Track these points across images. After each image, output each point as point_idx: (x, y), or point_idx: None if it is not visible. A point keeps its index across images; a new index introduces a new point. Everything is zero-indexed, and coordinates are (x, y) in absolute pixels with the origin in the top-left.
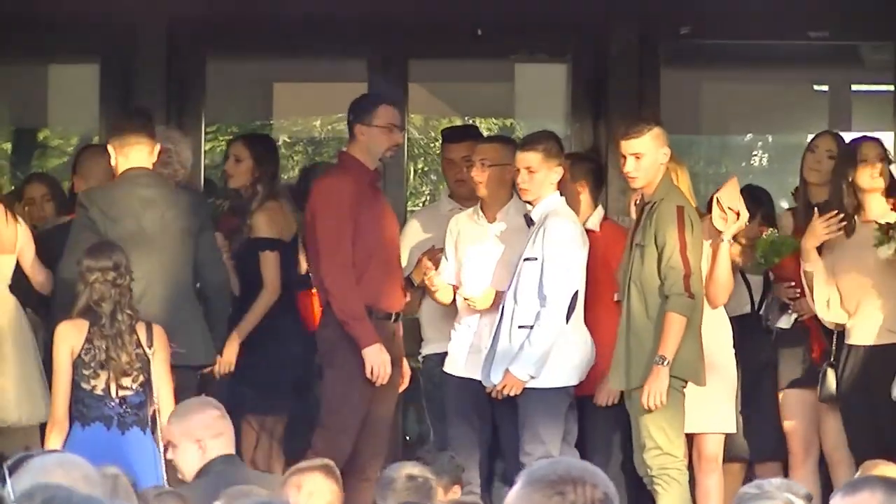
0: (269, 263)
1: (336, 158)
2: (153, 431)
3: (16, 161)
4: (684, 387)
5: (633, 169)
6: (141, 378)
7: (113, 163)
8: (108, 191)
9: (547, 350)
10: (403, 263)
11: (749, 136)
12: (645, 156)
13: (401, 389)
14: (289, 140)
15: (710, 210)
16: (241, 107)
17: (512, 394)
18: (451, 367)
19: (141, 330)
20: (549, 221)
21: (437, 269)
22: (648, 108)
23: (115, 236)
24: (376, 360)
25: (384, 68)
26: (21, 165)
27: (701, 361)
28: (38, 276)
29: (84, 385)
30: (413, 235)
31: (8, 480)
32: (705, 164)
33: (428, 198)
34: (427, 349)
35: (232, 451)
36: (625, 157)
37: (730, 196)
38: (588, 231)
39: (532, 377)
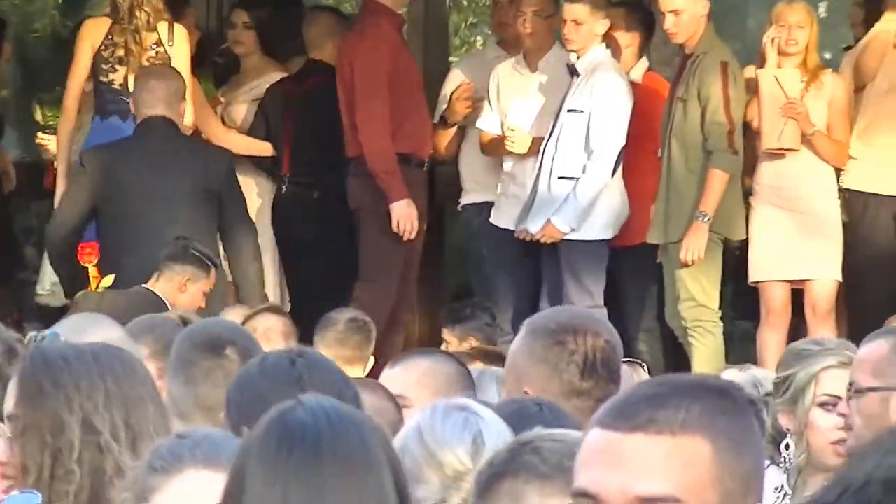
0: None
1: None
2: None
3: None
4: (723, 240)
5: (673, 25)
6: None
7: None
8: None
9: (592, 203)
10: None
11: None
12: (684, 11)
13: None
14: None
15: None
16: None
17: (548, 242)
18: (494, 217)
19: (163, 28)
20: (598, 74)
21: (471, 108)
22: None
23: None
24: (404, 214)
25: None
26: None
27: (741, 216)
28: None
29: (103, 78)
30: (457, 82)
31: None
32: (749, 14)
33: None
34: (466, 198)
35: None
36: (664, 14)
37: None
38: (631, 82)
39: (573, 229)
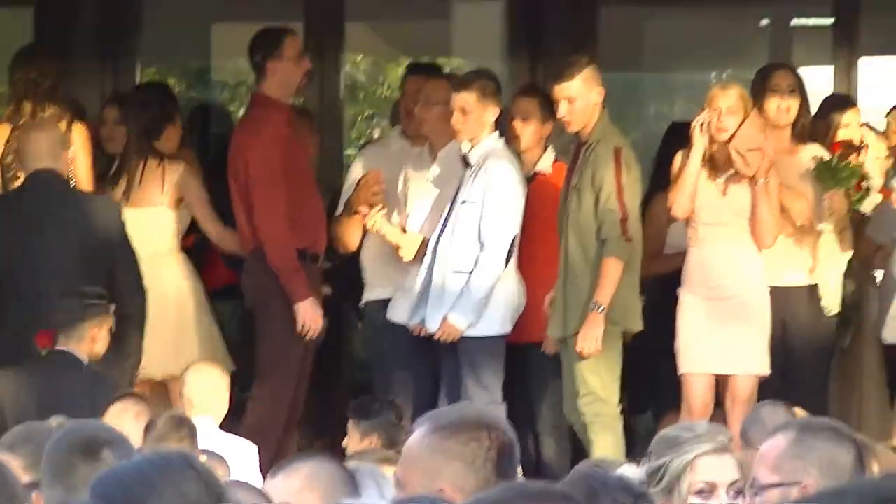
0: None
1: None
2: None
3: None
4: (623, 333)
5: (567, 113)
6: None
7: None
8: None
9: (487, 296)
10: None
11: (693, 73)
12: (577, 99)
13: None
14: (231, 83)
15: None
16: (180, 49)
17: (449, 341)
18: (393, 313)
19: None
20: (488, 163)
21: (380, 204)
22: (584, 47)
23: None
24: (309, 315)
25: (322, 6)
26: None
27: (638, 307)
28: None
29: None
30: (362, 170)
31: None
32: (647, 103)
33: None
34: (368, 295)
35: None
36: (558, 101)
37: (744, 139)
38: (539, 174)
39: (471, 325)
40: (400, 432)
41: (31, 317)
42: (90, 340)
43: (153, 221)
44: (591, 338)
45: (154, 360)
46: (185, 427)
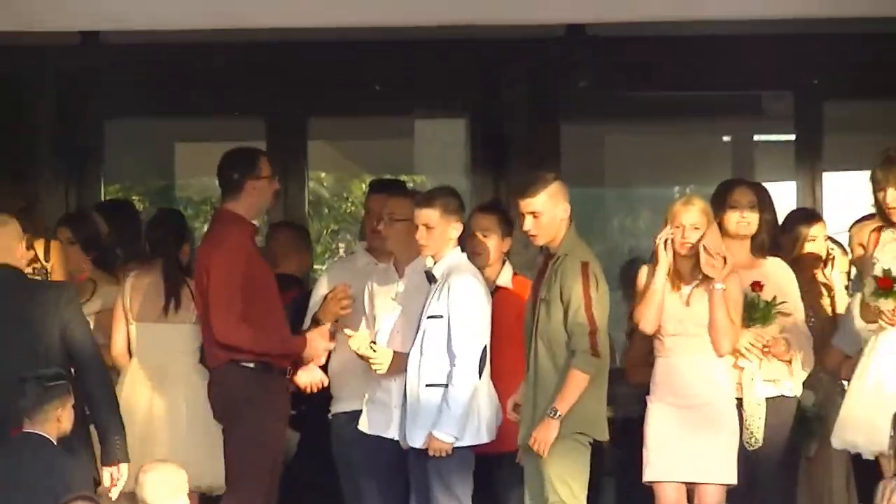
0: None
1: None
2: None
3: None
4: (591, 442)
5: (532, 227)
6: None
7: None
8: None
9: (466, 408)
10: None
11: (656, 188)
12: (543, 214)
13: None
14: (196, 199)
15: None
16: (143, 167)
17: (442, 455)
18: (363, 425)
19: (39, 247)
20: (452, 278)
21: (346, 309)
22: (547, 163)
23: None
24: (316, 344)
25: (284, 125)
26: None
27: (604, 418)
28: None
29: None
30: (328, 285)
31: None
32: (611, 217)
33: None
34: (337, 407)
35: None
36: (523, 216)
37: (714, 242)
38: (501, 288)
39: (457, 438)
40: None
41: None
42: (55, 421)
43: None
44: (542, 441)
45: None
46: None
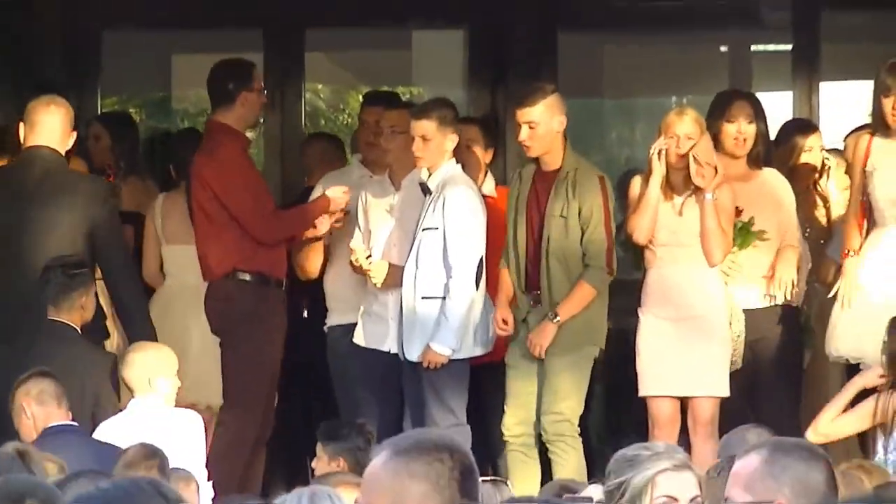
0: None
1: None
2: None
3: None
4: (596, 356)
5: (528, 137)
6: None
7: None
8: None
9: (464, 320)
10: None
11: (653, 98)
12: (539, 124)
13: None
14: (192, 111)
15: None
16: (140, 78)
17: (437, 367)
18: (358, 338)
19: None
20: (447, 190)
21: (341, 220)
22: (545, 74)
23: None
24: (336, 195)
25: (281, 37)
26: None
27: (605, 328)
28: None
29: None
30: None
31: None
32: (608, 128)
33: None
34: (332, 320)
35: None
36: (520, 126)
37: (704, 153)
38: (486, 197)
39: (454, 350)
40: (368, 456)
41: (22, 290)
42: (79, 309)
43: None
44: (540, 343)
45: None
46: (156, 457)
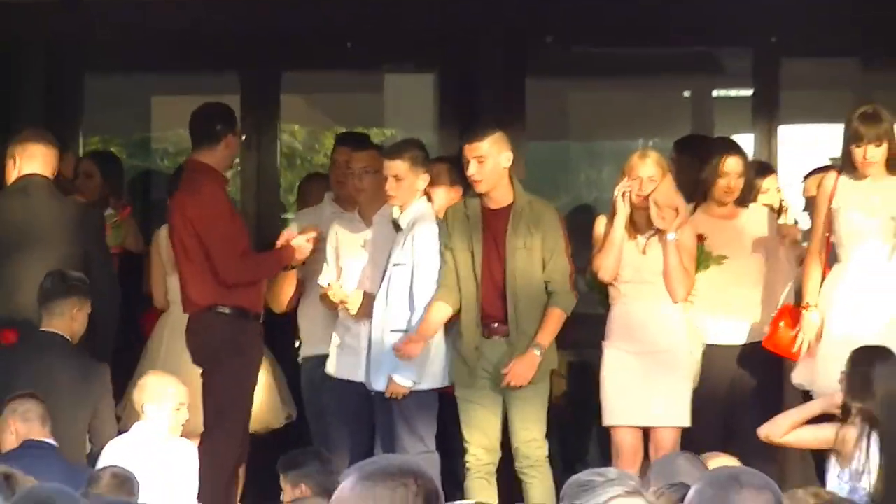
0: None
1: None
2: None
3: None
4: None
5: (476, 172)
6: None
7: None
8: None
9: (425, 355)
10: None
11: (620, 141)
12: (487, 158)
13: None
14: (172, 151)
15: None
16: (121, 120)
17: (398, 398)
18: (331, 368)
19: None
20: (416, 228)
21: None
22: (513, 117)
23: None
24: (301, 246)
25: (258, 80)
26: None
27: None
28: None
29: None
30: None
31: None
32: (577, 170)
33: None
34: (306, 351)
35: None
36: (467, 161)
37: (665, 195)
38: None
39: (415, 382)
40: (329, 478)
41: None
42: (69, 319)
43: None
44: (523, 375)
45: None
46: (126, 485)
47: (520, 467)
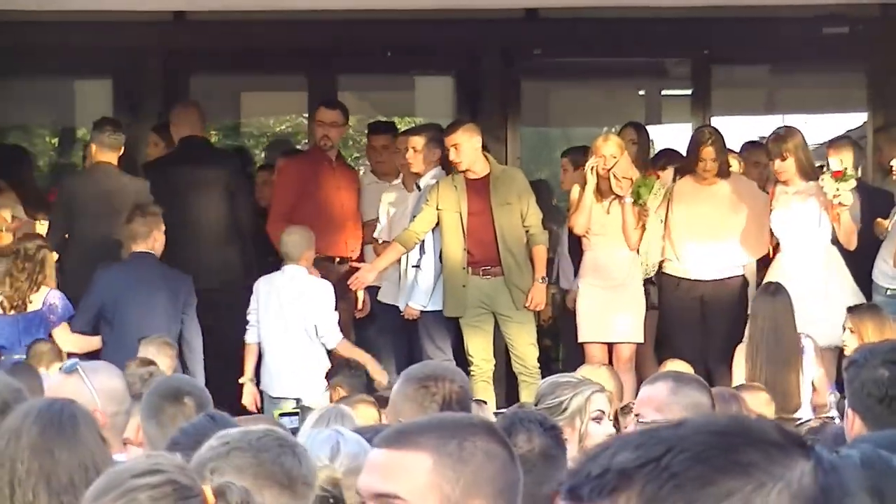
0: None
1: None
2: None
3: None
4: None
5: (456, 156)
6: None
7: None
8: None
9: (431, 285)
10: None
11: (589, 128)
12: (462, 144)
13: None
14: (256, 134)
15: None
16: (216, 111)
17: (412, 318)
18: (381, 295)
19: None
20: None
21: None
22: (510, 109)
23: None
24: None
25: (320, 81)
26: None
27: None
28: None
29: None
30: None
31: None
32: (555, 149)
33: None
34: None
35: None
36: (448, 149)
37: (623, 168)
38: None
39: (423, 306)
40: (357, 380)
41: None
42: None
43: None
44: (539, 300)
45: None
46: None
47: (518, 371)
